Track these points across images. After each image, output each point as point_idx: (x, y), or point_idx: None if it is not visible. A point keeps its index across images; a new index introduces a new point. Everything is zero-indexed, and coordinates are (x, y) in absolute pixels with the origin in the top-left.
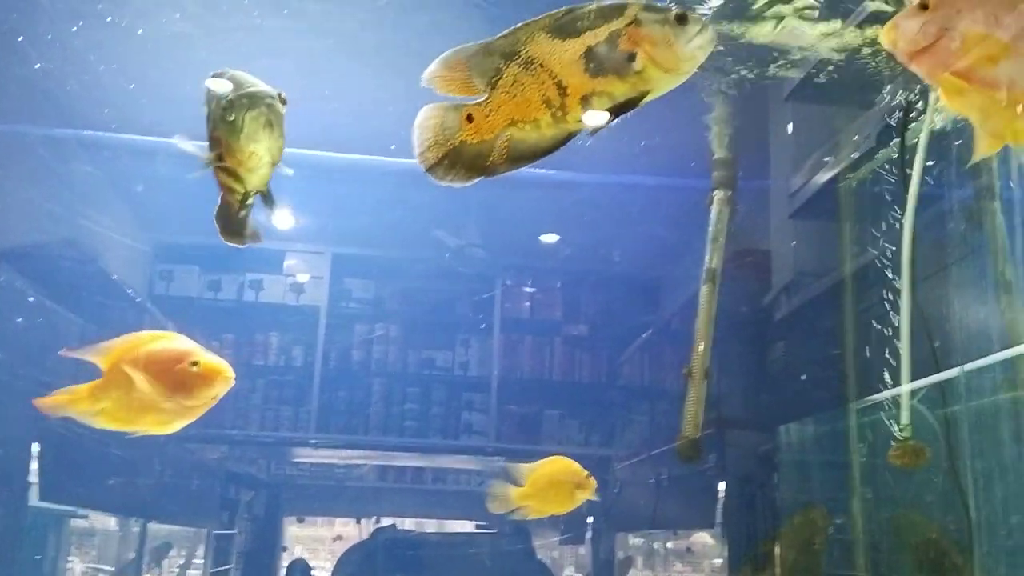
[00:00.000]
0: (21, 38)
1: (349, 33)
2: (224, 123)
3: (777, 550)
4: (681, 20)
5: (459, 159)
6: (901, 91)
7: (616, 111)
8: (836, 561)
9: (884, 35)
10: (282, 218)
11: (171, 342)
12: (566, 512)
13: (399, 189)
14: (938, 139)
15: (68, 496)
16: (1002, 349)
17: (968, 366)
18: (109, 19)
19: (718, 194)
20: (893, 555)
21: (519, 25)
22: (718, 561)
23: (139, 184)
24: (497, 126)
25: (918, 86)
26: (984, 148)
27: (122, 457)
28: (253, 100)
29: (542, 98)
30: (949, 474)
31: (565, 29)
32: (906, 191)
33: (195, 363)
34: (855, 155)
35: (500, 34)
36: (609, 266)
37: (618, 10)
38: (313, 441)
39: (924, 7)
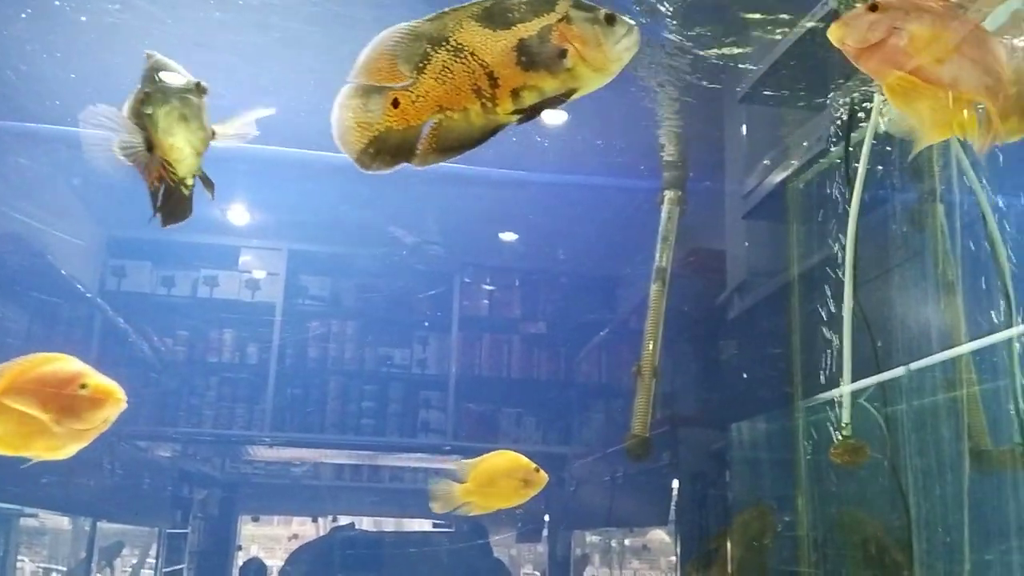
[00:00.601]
0: None
1: (295, 27)
2: (143, 115)
3: (724, 547)
4: (610, 20)
5: (384, 146)
6: (847, 94)
7: (543, 107)
8: (783, 558)
9: (832, 32)
10: (237, 214)
11: (60, 364)
12: (513, 506)
13: (354, 185)
14: (883, 142)
15: (14, 494)
16: (943, 349)
17: (913, 365)
18: (57, 2)
19: (668, 194)
20: (838, 552)
21: (446, 10)
22: (674, 559)
23: (81, 177)
24: (425, 113)
25: (864, 89)
26: (926, 140)
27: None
28: (165, 95)
29: (472, 87)
30: (891, 472)
31: (496, 19)
32: (851, 193)
33: (84, 386)
34: (807, 157)
35: (426, 18)
36: (567, 265)
37: (548, 4)
38: (268, 439)
39: (874, 8)
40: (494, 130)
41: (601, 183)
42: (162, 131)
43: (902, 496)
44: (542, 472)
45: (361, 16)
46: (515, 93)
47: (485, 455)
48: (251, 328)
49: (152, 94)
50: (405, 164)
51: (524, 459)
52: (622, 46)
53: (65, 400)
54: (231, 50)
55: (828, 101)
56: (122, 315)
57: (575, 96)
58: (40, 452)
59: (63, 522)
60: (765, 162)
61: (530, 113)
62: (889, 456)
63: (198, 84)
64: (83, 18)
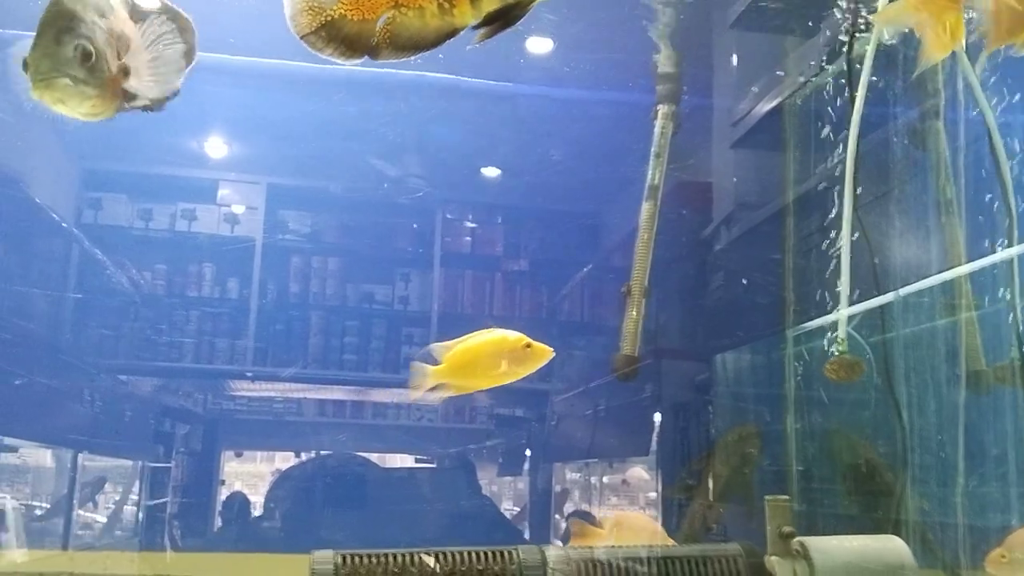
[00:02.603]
0: None
1: None
2: None
3: (709, 467)
4: None
5: (338, 33)
6: (848, 4)
7: (501, 16)
8: (769, 482)
9: None
10: (215, 146)
11: None
12: (495, 385)
13: (334, 114)
14: (884, 55)
15: None
16: (941, 271)
17: (907, 289)
18: None
19: (662, 109)
20: (827, 476)
21: None
22: (652, 494)
23: None
24: (380, 5)
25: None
26: (932, 54)
27: (50, 387)
28: (33, 80)
29: None
30: (885, 393)
31: None
32: (851, 108)
33: None
34: (800, 82)
35: None
36: (551, 200)
37: None
38: (250, 375)
39: None
40: (449, 33)
41: (586, 97)
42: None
43: (897, 414)
44: (537, 346)
45: None
46: None
47: (468, 334)
48: (231, 262)
49: (26, 68)
50: (365, 58)
51: (513, 336)
52: None
53: None
54: None
55: (821, 26)
56: (100, 248)
57: (532, 5)
58: None
59: (46, 458)
60: (759, 90)
61: (487, 22)
62: (884, 377)
63: (79, 48)
64: None
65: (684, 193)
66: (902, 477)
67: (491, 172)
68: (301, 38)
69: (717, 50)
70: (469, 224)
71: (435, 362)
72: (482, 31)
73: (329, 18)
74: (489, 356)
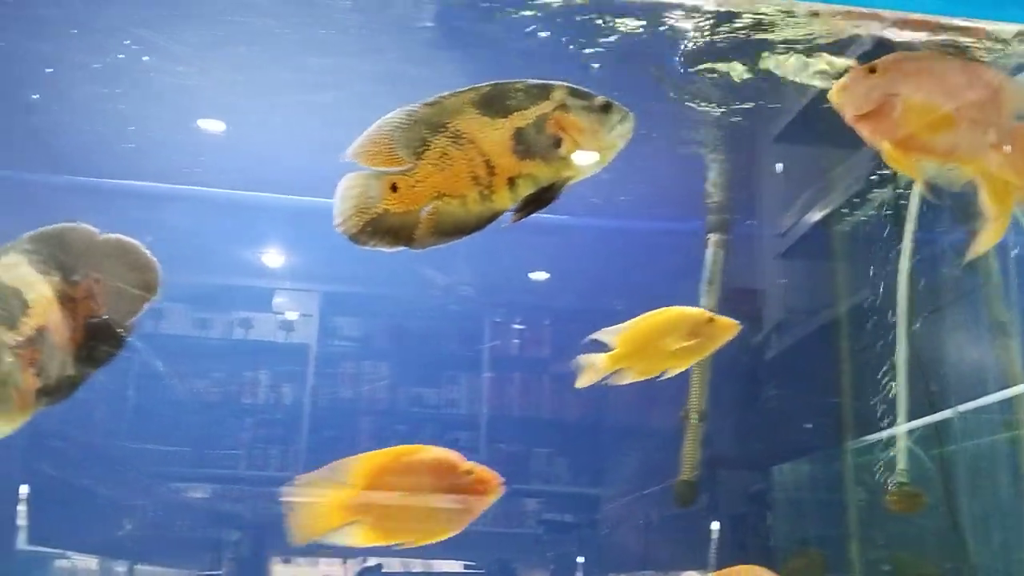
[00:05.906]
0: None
1: (358, 87)
2: None
3: None
4: (605, 108)
5: (382, 227)
6: None
7: (537, 199)
8: None
9: (833, 95)
10: (272, 256)
11: None
12: (683, 368)
13: None
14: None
15: (57, 539)
16: (998, 390)
17: (963, 407)
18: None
19: (713, 237)
20: None
21: (444, 95)
22: None
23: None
24: (423, 198)
25: None
26: (988, 240)
27: (110, 499)
28: None
29: (470, 174)
30: (947, 516)
31: (493, 106)
32: (901, 233)
33: None
34: (847, 196)
35: (423, 102)
36: (599, 304)
37: (544, 92)
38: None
39: (872, 71)
40: (491, 218)
41: (633, 227)
42: None
43: (960, 540)
44: (721, 319)
45: (424, 76)
46: (511, 181)
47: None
48: (285, 369)
49: None
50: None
51: (694, 309)
52: (616, 133)
53: None
54: (292, 108)
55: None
56: (158, 357)
57: (570, 183)
58: None
59: (92, 564)
60: (805, 201)
61: (526, 206)
62: (945, 500)
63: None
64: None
65: (735, 304)
66: None
67: (539, 276)
68: (350, 239)
69: (761, 162)
70: (517, 326)
71: (607, 349)
72: (518, 213)
73: (376, 215)
74: (670, 332)
